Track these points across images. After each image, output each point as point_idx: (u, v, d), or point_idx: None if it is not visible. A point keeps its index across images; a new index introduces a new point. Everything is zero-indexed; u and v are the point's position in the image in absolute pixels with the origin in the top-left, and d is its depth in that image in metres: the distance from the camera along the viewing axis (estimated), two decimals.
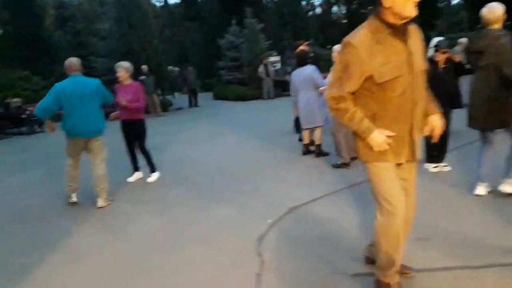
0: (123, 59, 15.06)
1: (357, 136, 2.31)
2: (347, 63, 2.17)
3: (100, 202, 4.74)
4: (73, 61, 4.64)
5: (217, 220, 4.02)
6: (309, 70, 5.80)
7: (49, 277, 3.21)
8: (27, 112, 13.19)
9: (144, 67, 13.96)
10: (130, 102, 5.25)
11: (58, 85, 4.59)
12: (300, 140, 6.70)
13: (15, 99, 14.15)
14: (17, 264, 3.49)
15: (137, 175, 5.77)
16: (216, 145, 7.94)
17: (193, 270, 3.08)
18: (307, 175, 5.27)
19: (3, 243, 4.06)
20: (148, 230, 3.98)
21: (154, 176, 5.64)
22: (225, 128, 9.99)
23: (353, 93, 2.24)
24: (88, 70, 17.79)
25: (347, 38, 2.18)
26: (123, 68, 5.35)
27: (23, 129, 13.57)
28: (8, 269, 3.43)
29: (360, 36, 2.14)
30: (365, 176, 2.43)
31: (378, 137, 2.19)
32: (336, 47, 5.11)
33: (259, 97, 17.56)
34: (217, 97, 19.81)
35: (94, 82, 4.72)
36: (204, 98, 19.41)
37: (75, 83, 4.57)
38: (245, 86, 18.79)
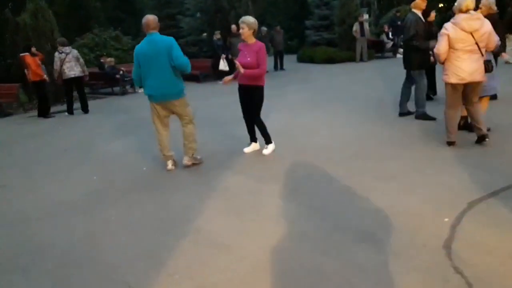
0: (212, 18, 14.81)
1: None
2: None
3: (185, 160, 4.67)
4: (149, 19, 4.31)
5: (376, 215, 3.27)
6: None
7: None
8: (120, 72, 13.28)
9: (234, 27, 13.27)
10: (250, 65, 4.57)
11: (137, 47, 4.39)
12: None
13: (109, 59, 14.33)
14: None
15: (254, 146, 5.19)
16: (320, 114, 7.08)
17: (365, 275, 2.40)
18: (458, 158, 4.30)
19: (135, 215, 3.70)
20: (285, 215, 3.36)
21: (270, 148, 5.01)
22: (323, 95, 9.08)
23: None
24: (175, 30, 17.77)
25: None
26: (246, 24, 4.63)
27: (116, 89, 13.77)
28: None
29: None
30: None
31: None
32: None
33: (349, 59, 16.25)
34: (302, 59, 18.64)
35: (167, 40, 4.31)
36: (287, 60, 18.41)
37: (149, 42, 4.29)
38: (333, 48, 17.46)
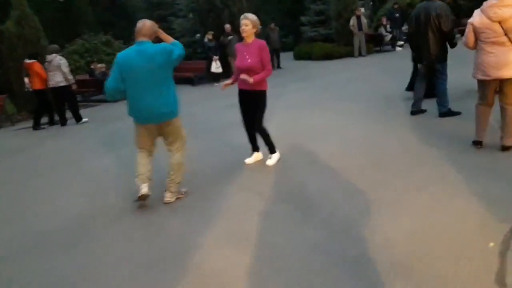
0: (204, 18, 14.28)
1: None
2: None
3: (167, 196, 3.81)
4: (145, 24, 3.52)
5: (409, 241, 2.79)
6: None
7: None
8: None
9: (227, 26, 12.78)
10: (252, 66, 4.10)
11: (120, 55, 3.54)
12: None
13: (100, 65, 13.82)
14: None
15: (257, 156, 4.70)
16: (325, 115, 6.59)
17: None
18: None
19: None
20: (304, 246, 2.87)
21: (274, 158, 4.52)
22: (325, 94, 8.59)
23: None
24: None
25: None
26: (250, 21, 4.12)
27: None
28: None
29: None
30: None
31: None
32: None
33: (348, 54, 15.79)
34: (299, 56, 18.11)
35: (164, 49, 3.50)
36: (284, 58, 17.87)
37: (140, 53, 3.45)
38: (331, 43, 16.98)
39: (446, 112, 5.42)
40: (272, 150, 4.52)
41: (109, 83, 3.57)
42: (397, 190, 3.49)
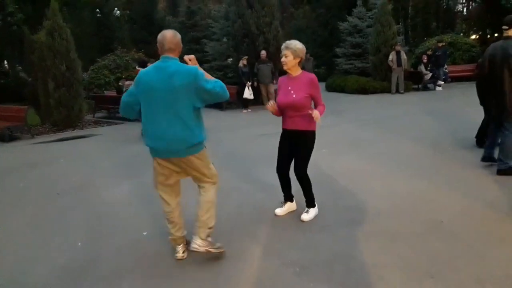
0: (238, 43, 13.90)
1: None
2: None
3: (196, 243, 2.99)
4: (165, 36, 2.91)
5: None
6: None
7: None
8: None
9: (263, 53, 12.30)
10: (298, 104, 3.44)
11: (141, 73, 2.96)
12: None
13: (127, 82, 13.51)
14: None
15: (290, 206, 3.95)
16: (364, 158, 5.79)
17: None
18: None
19: None
20: None
21: (312, 213, 3.76)
22: (361, 132, 7.81)
23: None
24: (200, 55, 17.02)
25: None
26: (292, 51, 3.45)
27: None
28: None
29: None
30: None
31: None
32: None
33: (383, 90, 15.05)
34: (332, 88, 17.50)
35: (188, 70, 2.87)
36: None
37: (157, 69, 2.88)
38: (366, 77, 16.30)
39: (505, 170, 4.57)
40: (311, 203, 3.77)
41: (124, 96, 3.06)
42: (471, 275, 2.66)
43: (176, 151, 2.91)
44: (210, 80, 2.92)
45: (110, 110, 14.07)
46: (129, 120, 12.68)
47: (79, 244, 3.61)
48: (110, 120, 13.03)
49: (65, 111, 11.23)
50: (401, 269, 2.81)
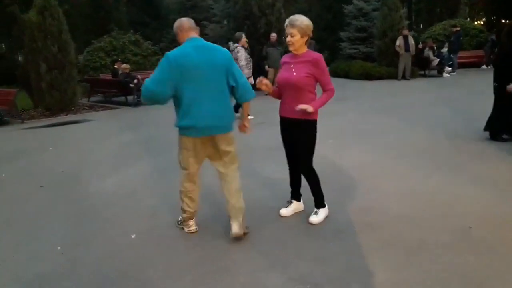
0: (240, 25, 13.28)
1: None
2: None
3: (235, 229, 3.03)
4: (182, 19, 3.01)
5: None
6: None
7: None
8: (135, 81, 11.88)
9: (274, 35, 11.62)
10: (297, 82, 3.01)
11: (178, 54, 2.79)
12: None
13: (124, 65, 13.00)
14: None
15: (296, 206, 3.53)
16: (375, 150, 5.36)
17: None
18: None
19: None
20: None
21: (321, 215, 3.34)
22: (369, 120, 7.37)
23: None
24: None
25: None
26: (298, 29, 2.99)
27: (130, 98, 12.38)
28: None
29: None
30: None
31: None
32: None
33: (389, 76, 14.56)
34: (336, 73, 16.95)
35: (225, 50, 2.98)
36: None
37: (200, 50, 2.83)
38: (371, 63, 15.76)
39: None
40: (319, 203, 3.35)
41: (154, 85, 2.78)
42: None
43: (221, 127, 2.96)
44: (242, 73, 3.02)
45: (106, 94, 13.58)
46: (125, 104, 12.21)
47: (59, 248, 3.19)
48: (105, 105, 12.55)
49: (58, 95, 10.75)
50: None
